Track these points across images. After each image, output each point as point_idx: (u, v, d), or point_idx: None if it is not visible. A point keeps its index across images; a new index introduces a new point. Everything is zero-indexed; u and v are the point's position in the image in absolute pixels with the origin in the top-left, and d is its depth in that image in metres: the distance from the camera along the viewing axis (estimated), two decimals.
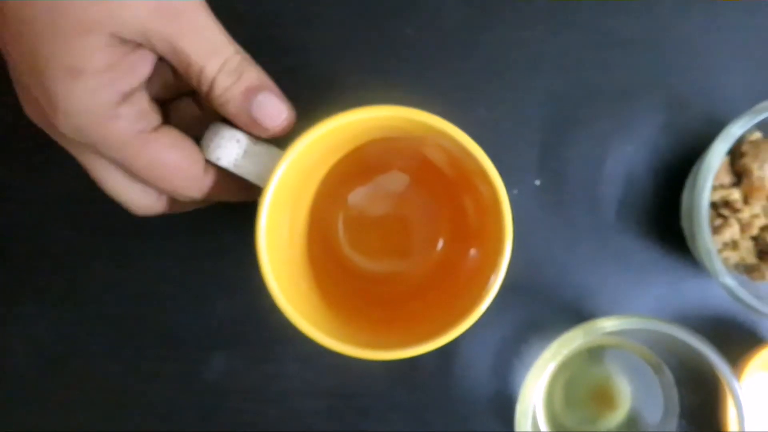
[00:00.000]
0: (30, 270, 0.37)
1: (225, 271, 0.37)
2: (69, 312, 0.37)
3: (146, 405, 0.37)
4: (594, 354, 0.38)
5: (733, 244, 0.35)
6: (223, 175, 0.29)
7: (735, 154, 0.35)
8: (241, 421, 0.37)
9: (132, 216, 0.37)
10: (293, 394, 0.37)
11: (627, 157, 0.37)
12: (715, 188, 0.34)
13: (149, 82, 0.27)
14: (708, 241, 0.33)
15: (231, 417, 0.37)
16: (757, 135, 0.35)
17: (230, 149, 0.28)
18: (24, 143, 0.37)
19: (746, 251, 0.35)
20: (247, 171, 0.28)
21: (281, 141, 0.28)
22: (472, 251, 0.31)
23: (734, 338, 0.36)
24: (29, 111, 0.27)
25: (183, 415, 0.37)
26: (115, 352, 0.37)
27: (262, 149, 0.28)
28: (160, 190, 0.29)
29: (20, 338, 0.37)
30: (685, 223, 0.35)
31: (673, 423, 0.37)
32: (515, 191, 0.37)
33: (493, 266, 0.27)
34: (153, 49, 0.25)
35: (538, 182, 0.37)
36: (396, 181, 0.35)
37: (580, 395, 0.38)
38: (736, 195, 0.34)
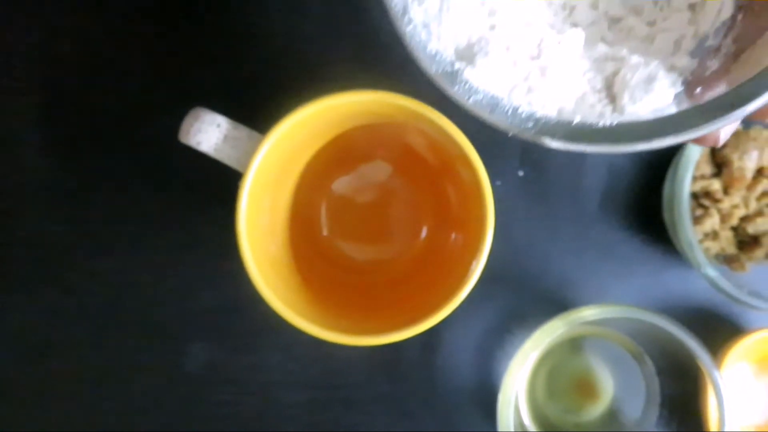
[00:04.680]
0: (6, 260, 0.36)
1: (206, 262, 0.36)
2: (46, 303, 0.36)
3: (126, 396, 0.37)
4: (576, 344, 0.38)
5: (714, 235, 0.35)
6: None
7: None
8: (222, 412, 0.37)
9: (111, 205, 0.36)
10: (275, 385, 0.37)
11: None
12: (695, 179, 0.34)
13: None
14: (689, 232, 0.33)
15: (212, 408, 0.37)
16: (737, 126, 0.35)
17: (210, 134, 0.27)
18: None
19: (726, 241, 0.35)
20: (227, 156, 0.28)
21: (262, 126, 0.28)
22: (455, 237, 0.31)
23: (715, 328, 0.37)
24: None
25: (163, 406, 0.37)
26: (94, 344, 0.36)
27: (243, 134, 0.28)
28: None
29: None
30: (666, 214, 0.35)
31: (655, 412, 0.37)
32: (498, 182, 0.37)
33: (475, 252, 0.27)
34: None
35: (521, 173, 0.37)
36: (379, 170, 0.35)
37: (563, 385, 0.38)
38: (716, 185, 0.34)
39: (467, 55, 0.17)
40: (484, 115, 0.17)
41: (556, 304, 0.36)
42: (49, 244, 0.36)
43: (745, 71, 0.16)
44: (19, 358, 0.36)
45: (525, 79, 0.17)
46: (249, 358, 0.37)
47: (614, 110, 0.17)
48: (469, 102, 0.17)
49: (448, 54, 0.17)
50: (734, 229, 0.35)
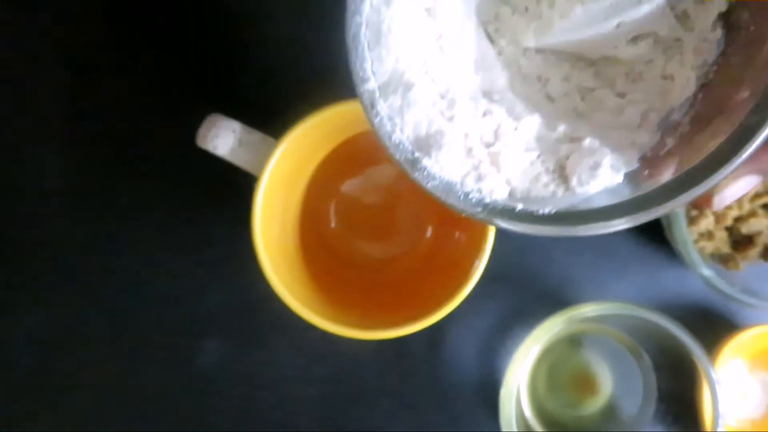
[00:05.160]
0: (27, 261, 0.38)
1: (219, 262, 0.38)
2: (65, 301, 0.38)
3: (141, 391, 0.38)
4: (576, 341, 0.39)
5: (709, 235, 0.36)
6: None
7: None
8: (235, 406, 0.38)
9: (129, 207, 0.38)
10: (286, 380, 0.38)
11: None
12: None
13: None
14: (684, 232, 0.34)
15: (223, 403, 0.38)
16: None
17: (227, 139, 0.29)
18: (20, 137, 0.38)
19: (721, 241, 0.36)
20: (242, 159, 0.29)
21: (275, 131, 0.30)
22: (459, 236, 0.33)
23: (710, 325, 0.38)
24: None
25: (179, 400, 0.38)
26: (111, 340, 0.38)
27: (257, 139, 0.29)
28: None
29: (17, 327, 0.38)
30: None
31: (652, 406, 0.38)
32: None
33: (477, 250, 0.28)
34: None
35: None
36: (386, 172, 0.36)
37: (563, 380, 0.39)
38: None
39: (424, 146, 0.19)
40: (441, 198, 0.19)
41: (556, 302, 0.37)
42: (68, 244, 0.38)
43: (692, 158, 0.18)
44: (39, 354, 0.38)
45: (475, 167, 0.19)
46: (261, 354, 0.38)
47: (566, 189, 0.19)
48: (428, 186, 0.19)
49: (410, 143, 0.19)
50: (728, 229, 0.36)
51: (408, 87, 0.18)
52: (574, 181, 0.19)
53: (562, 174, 0.19)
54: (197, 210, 0.37)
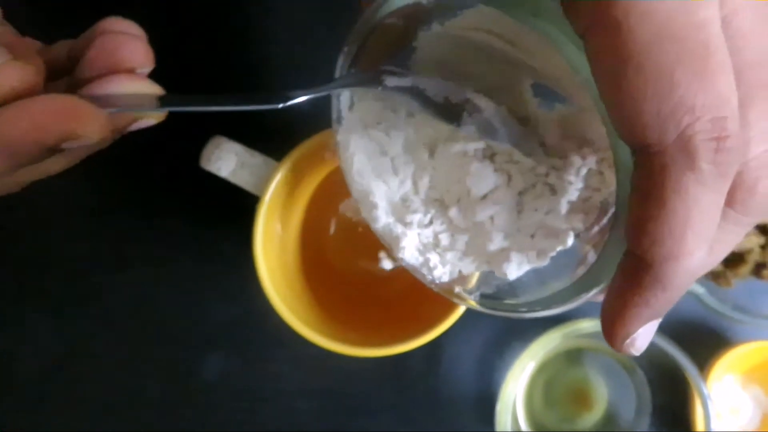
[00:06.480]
0: (34, 275, 0.39)
1: (222, 277, 0.38)
2: (71, 316, 0.38)
3: (145, 403, 0.39)
4: (572, 356, 0.40)
5: None
6: None
7: None
8: (235, 419, 0.39)
9: (132, 224, 0.38)
10: (286, 394, 0.39)
11: None
12: None
13: None
14: None
15: (226, 415, 0.39)
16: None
17: (229, 161, 0.30)
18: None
19: None
20: (244, 181, 0.30)
21: (276, 153, 0.30)
22: None
23: (702, 341, 0.38)
24: None
25: (181, 412, 0.39)
26: (116, 354, 0.39)
27: (259, 161, 0.30)
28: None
29: (24, 341, 0.38)
30: None
31: (646, 421, 0.38)
32: None
33: None
34: None
35: None
36: None
37: (559, 395, 0.39)
38: None
39: (392, 243, 0.23)
40: (413, 274, 0.23)
41: (552, 318, 0.38)
42: (73, 261, 0.38)
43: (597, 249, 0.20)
44: (43, 368, 0.38)
45: (426, 261, 0.23)
46: (262, 368, 0.39)
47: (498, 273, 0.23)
48: (403, 265, 0.23)
49: (384, 239, 0.24)
50: None
51: (372, 206, 0.23)
52: (500, 272, 0.22)
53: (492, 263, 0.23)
54: (201, 228, 0.38)
